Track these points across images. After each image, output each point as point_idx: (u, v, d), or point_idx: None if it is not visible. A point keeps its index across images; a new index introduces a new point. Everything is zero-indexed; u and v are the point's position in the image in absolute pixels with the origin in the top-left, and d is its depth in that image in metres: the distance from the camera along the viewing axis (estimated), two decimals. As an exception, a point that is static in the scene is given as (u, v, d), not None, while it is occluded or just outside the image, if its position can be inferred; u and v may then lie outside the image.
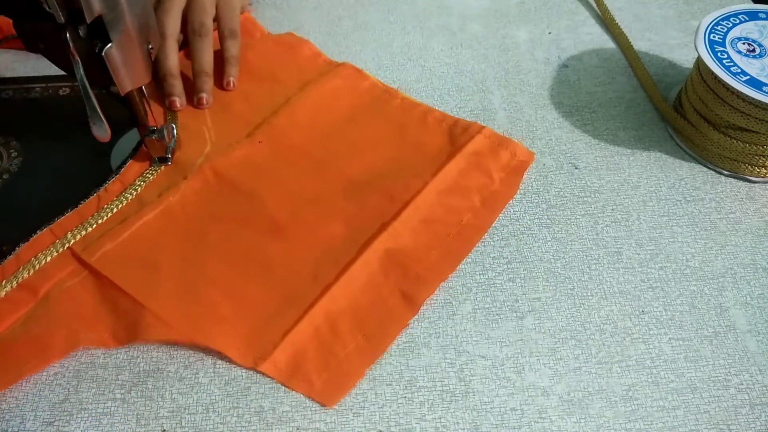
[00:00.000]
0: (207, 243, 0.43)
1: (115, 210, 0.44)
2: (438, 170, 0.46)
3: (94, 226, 0.43)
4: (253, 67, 0.55)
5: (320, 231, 0.43)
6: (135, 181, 0.46)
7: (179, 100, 0.51)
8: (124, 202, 0.45)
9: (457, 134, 0.49)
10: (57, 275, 0.41)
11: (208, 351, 0.38)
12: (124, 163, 0.47)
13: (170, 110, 0.51)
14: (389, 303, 0.40)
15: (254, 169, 0.47)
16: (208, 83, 0.52)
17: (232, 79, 0.53)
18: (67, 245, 0.42)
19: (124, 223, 0.43)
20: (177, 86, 0.51)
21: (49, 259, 0.41)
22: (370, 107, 0.52)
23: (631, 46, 0.57)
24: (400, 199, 0.44)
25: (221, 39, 0.54)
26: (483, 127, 0.49)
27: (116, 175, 0.46)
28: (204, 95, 0.51)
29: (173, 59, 0.51)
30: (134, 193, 0.45)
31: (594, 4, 0.62)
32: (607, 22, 0.60)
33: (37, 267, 0.41)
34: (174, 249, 0.42)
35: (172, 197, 0.44)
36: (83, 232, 0.43)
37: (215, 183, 0.46)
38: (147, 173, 0.46)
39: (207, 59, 0.52)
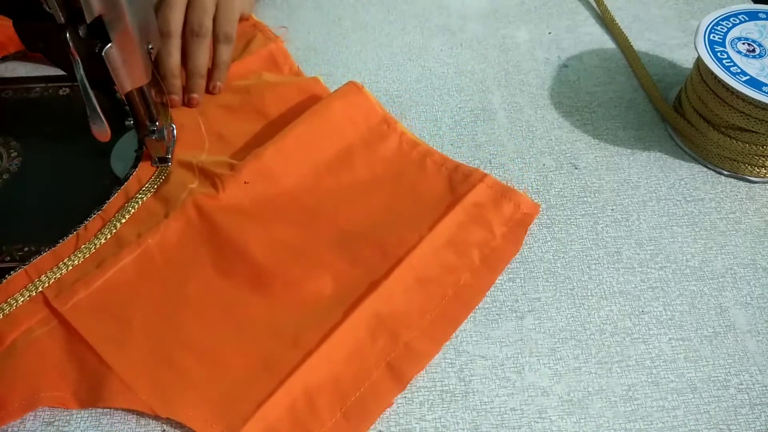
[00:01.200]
0: (185, 295, 0.40)
1: (93, 249, 0.42)
2: (435, 223, 0.43)
3: (70, 267, 0.41)
4: (267, 109, 0.51)
5: (306, 287, 0.40)
6: (115, 215, 0.44)
7: (178, 98, 0.51)
8: (102, 240, 0.42)
9: (458, 181, 0.46)
10: (27, 322, 0.38)
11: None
12: (129, 173, 0.47)
13: (171, 106, 0.51)
14: (374, 376, 0.37)
15: (239, 213, 0.44)
16: (200, 84, 0.51)
17: (219, 84, 0.52)
18: (40, 288, 0.40)
19: (101, 267, 0.41)
20: (177, 85, 0.51)
21: (21, 302, 0.39)
22: (366, 143, 0.48)
23: (631, 46, 0.57)
24: (394, 254, 0.41)
25: (214, 42, 0.52)
26: (485, 175, 0.45)
27: (119, 186, 0.45)
28: (195, 96, 0.51)
29: (176, 57, 0.51)
30: (113, 231, 0.43)
31: (594, 4, 0.62)
32: (607, 22, 0.60)
33: (8, 312, 0.39)
34: (150, 300, 0.40)
35: (152, 239, 0.42)
36: (58, 275, 0.40)
37: (198, 224, 0.43)
38: (129, 205, 0.44)
39: (202, 61, 0.51)
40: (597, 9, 0.62)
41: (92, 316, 0.39)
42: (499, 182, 0.45)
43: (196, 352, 0.38)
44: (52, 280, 0.40)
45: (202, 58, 0.51)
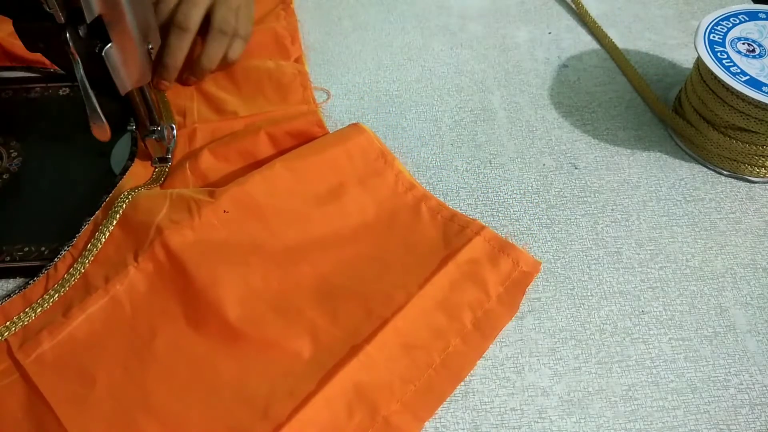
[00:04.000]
0: (153, 350, 0.37)
1: (61, 292, 0.40)
2: (426, 280, 0.39)
3: (38, 312, 0.39)
4: (260, 154, 0.47)
5: (281, 346, 0.37)
6: (84, 251, 0.41)
7: (166, 84, 0.51)
8: (72, 281, 0.40)
9: (453, 233, 0.42)
10: None
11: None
12: (124, 171, 0.46)
13: (156, 88, 0.51)
14: None
15: (213, 252, 0.40)
16: (203, 75, 0.52)
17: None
18: (6, 334, 0.38)
19: (67, 315, 0.38)
20: (174, 77, 0.51)
21: None
22: (361, 180, 0.45)
23: (620, 51, 0.57)
24: (379, 315, 0.38)
25: (231, 37, 0.52)
26: (483, 228, 0.42)
27: (107, 195, 0.44)
28: (193, 80, 0.52)
29: (185, 53, 0.50)
30: (81, 271, 0.40)
31: (574, 7, 0.62)
32: (592, 28, 0.60)
33: None
34: (116, 355, 0.37)
35: (120, 284, 0.39)
36: (26, 321, 0.38)
37: (168, 269, 0.40)
38: (95, 239, 0.41)
39: (217, 58, 0.52)
40: (585, 19, 0.62)
41: (55, 372, 0.36)
42: (497, 236, 0.42)
43: (159, 419, 0.35)
44: (19, 327, 0.38)
45: (218, 56, 0.52)
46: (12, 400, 0.36)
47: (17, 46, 0.53)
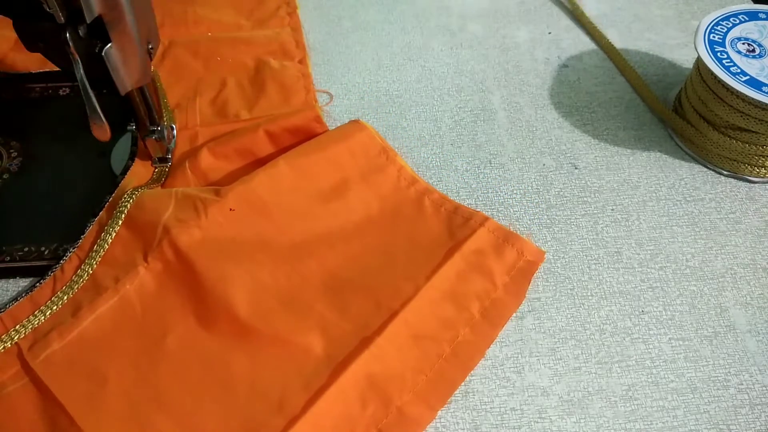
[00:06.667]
0: (164, 348, 0.37)
1: (70, 294, 0.40)
2: (433, 272, 0.40)
3: (48, 315, 0.39)
4: (259, 153, 0.47)
5: (293, 341, 0.37)
6: (91, 252, 0.41)
7: None
8: (80, 283, 0.40)
9: (457, 225, 0.43)
10: (0, 376, 0.37)
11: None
12: (124, 170, 0.46)
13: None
14: None
15: (221, 251, 0.40)
16: None
17: None
18: (17, 338, 0.38)
19: (77, 315, 0.38)
20: None
21: None
22: (363, 176, 0.45)
23: (619, 51, 0.57)
24: (388, 307, 0.38)
25: None
26: (486, 219, 0.43)
27: (110, 194, 0.44)
28: None
29: None
30: (90, 272, 0.40)
31: (572, 10, 0.62)
32: (591, 29, 0.60)
33: None
34: (127, 354, 0.37)
35: (130, 284, 0.39)
36: (35, 323, 0.38)
37: (177, 266, 0.40)
38: (102, 240, 0.41)
39: None
40: (585, 19, 0.62)
41: (65, 372, 0.36)
42: (501, 227, 0.43)
43: (173, 418, 0.35)
44: (29, 330, 0.38)
45: None
46: (26, 402, 0.36)
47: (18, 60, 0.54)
